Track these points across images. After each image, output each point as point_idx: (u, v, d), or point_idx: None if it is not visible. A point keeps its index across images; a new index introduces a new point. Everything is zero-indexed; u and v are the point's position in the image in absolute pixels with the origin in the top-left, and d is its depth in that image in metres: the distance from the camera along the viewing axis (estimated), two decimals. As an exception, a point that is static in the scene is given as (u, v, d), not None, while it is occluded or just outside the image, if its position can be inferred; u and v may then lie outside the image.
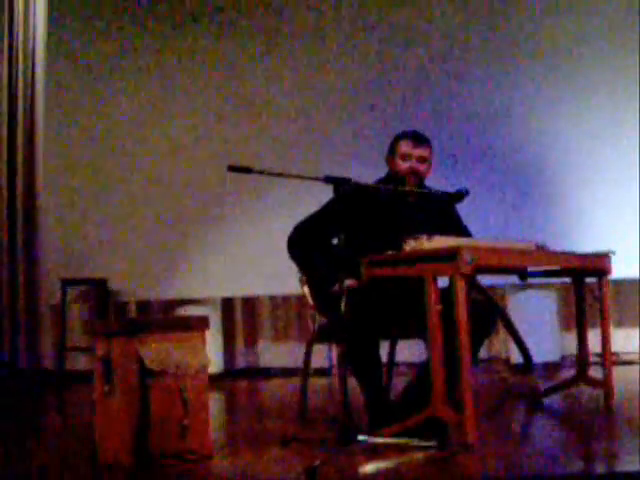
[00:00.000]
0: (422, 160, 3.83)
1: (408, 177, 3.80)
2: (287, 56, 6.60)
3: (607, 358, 3.93)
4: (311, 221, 3.89)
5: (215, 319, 6.44)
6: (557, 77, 6.25)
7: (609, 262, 3.92)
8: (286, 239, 3.90)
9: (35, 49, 6.58)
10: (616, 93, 6.12)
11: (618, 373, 4.51)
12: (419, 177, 3.83)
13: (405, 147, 3.83)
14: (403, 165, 3.81)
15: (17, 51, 6.53)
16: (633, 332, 6.19)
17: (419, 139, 3.85)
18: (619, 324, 6.17)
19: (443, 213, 3.95)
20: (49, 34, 6.75)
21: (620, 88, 6.10)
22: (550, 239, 3.89)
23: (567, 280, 4.37)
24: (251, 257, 6.41)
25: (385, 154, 3.92)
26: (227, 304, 6.80)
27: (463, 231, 3.99)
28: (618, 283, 5.97)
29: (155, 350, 3.12)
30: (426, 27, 6.42)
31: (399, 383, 3.96)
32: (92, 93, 6.75)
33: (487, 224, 5.77)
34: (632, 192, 5.96)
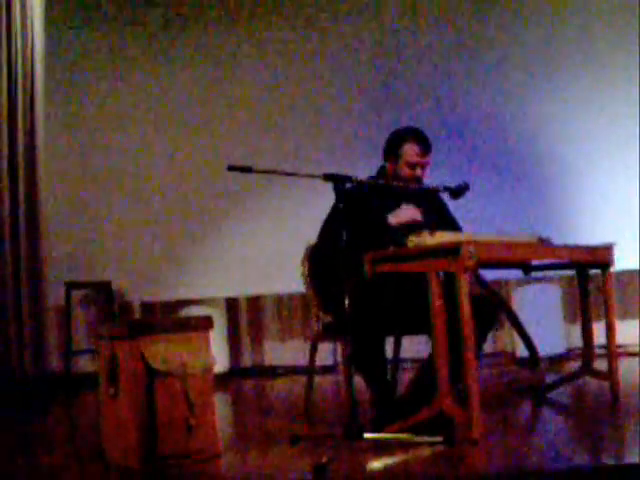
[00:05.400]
0: (425, 166, 3.84)
1: (410, 181, 3.81)
2: (288, 54, 6.60)
3: (612, 350, 3.93)
4: (324, 237, 3.85)
5: (220, 319, 6.44)
6: (558, 72, 6.25)
7: (612, 254, 3.92)
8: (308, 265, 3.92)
9: (34, 51, 6.56)
10: (616, 86, 6.12)
11: (623, 365, 4.51)
12: (419, 180, 3.85)
13: (413, 155, 3.80)
14: (409, 172, 3.81)
15: (16, 54, 6.52)
16: (637, 323, 6.18)
17: (427, 147, 3.83)
18: (623, 316, 6.17)
19: (438, 208, 3.97)
20: (47, 35, 6.74)
21: (620, 82, 6.10)
22: (552, 232, 3.89)
23: (571, 273, 4.37)
24: (255, 256, 6.42)
25: (385, 151, 3.90)
26: (232, 304, 6.80)
27: (456, 224, 4.00)
28: (622, 275, 5.96)
29: (160, 351, 3.13)
30: (427, 26, 6.42)
31: (404, 379, 3.96)
32: (93, 96, 6.75)
33: (488, 218, 5.77)
34: (633, 184, 5.96)
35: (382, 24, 6.49)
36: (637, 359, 5.73)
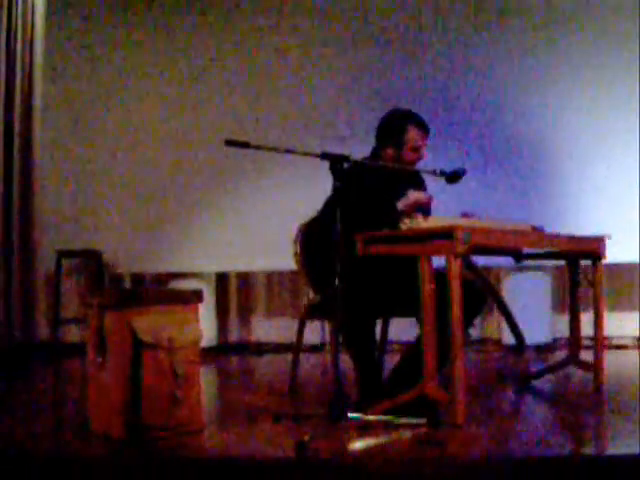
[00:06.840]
0: (425, 147, 3.84)
1: (413, 164, 3.81)
2: (288, 34, 6.55)
3: (599, 341, 3.94)
4: (325, 216, 3.83)
5: (209, 293, 6.45)
6: (556, 60, 6.23)
7: (604, 246, 3.93)
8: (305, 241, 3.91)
9: (34, 28, 6.55)
10: (616, 76, 6.10)
11: (610, 357, 4.53)
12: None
13: (417, 140, 3.79)
14: (413, 156, 3.80)
15: (16, 33, 6.51)
16: (627, 316, 6.19)
17: (428, 129, 3.83)
18: (614, 308, 6.18)
19: (423, 188, 3.99)
20: (47, 22, 6.71)
21: (620, 71, 6.09)
22: (548, 222, 3.90)
23: (561, 262, 4.38)
24: (246, 232, 6.41)
25: (384, 136, 3.86)
26: (221, 278, 6.81)
27: None
28: (614, 267, 5.97)
29: (148, 323, 3.13)
30: (428, 12, 6.39)
31: (391, 361, 3.97)
32: (88, 70, 6.70)
33: (484, 205, 5.76)
34: (631, 176, 5.96)
35: (383, 7, 6.45)
36: (627, 351, 5.78)
